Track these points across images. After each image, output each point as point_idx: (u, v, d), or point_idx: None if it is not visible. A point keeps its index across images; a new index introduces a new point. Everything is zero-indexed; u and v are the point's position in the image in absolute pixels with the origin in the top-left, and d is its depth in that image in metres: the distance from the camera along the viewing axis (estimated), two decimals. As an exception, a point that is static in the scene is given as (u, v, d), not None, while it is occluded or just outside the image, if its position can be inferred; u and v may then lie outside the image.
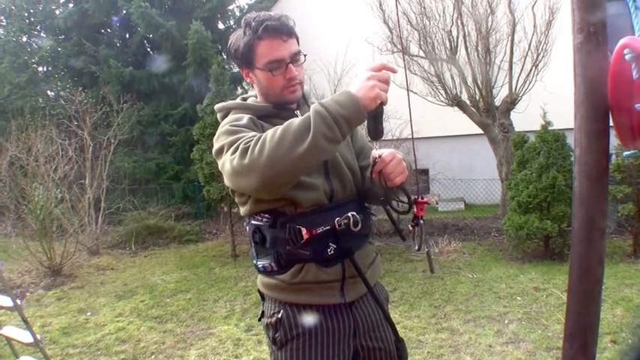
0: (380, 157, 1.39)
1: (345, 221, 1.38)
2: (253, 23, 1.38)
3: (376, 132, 1.29)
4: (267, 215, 1.40)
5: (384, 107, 1.26)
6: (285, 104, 1.46)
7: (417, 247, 1.47)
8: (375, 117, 1.27)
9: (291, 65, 1.40)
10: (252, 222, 1.45)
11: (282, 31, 1.38)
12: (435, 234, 6.92)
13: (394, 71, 1.27)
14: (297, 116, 1.41)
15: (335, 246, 1.39)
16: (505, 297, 4.46)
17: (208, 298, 5.10)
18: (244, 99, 1.55)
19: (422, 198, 1.46)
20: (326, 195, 1.40)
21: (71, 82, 10.90)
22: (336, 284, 1.42)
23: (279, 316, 1.42)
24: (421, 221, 1.45)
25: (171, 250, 7.65)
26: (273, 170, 1.18)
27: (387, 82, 1.22)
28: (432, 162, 8.35)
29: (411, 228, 1.47)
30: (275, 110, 1.46)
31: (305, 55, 1.46)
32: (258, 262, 1.46)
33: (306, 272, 1.38)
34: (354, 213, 1.40)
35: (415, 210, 1.44)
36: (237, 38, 1.43)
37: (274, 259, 1.41)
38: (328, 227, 1.37)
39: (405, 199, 1.46)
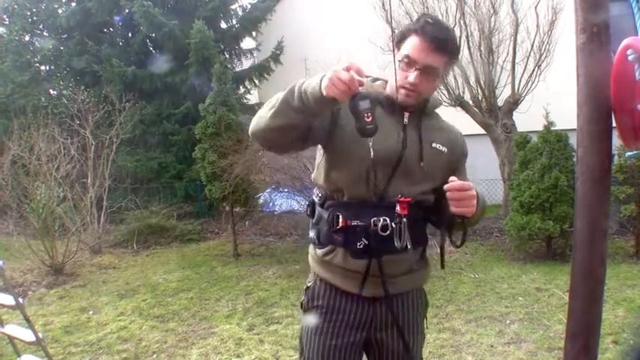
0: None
1: (379, 223, 1.41)
2: (422, 20, 1.46)
3: (359, 129, 1.28)
4: (320, 195, 1.56)
5: (359, 106, 1.25)
6: (394, 100, 1.47)
7: (398, 246, 1.46)
8: (353, 114, 1.27)
9: (418, 72, 1.41)
10: (313, 197, 1.62)
11: (435, 40, 1.41)
12: (436, 234, 6.90)
13: (359, 73, 1.24)
14: (403, 118, 1.49)
15: (366, 242, 1.43)
16: (507, 297, 4.46)
17: (210, 297, 5.10)
18: (375, 79, 1.60)
19: (404, 197, 1.44)
20: (375, 194, 1.45)
21: (73, 81, 10.89)
22: (359, 276, 1.49)
23: (310, 284, 1.61)
24: (404, 220, 1.42)
25: (173, 249, 7.65)
26: (256, 126, 1.44)
27: (341, 79, 1.21)
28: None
29: (393, 226, 1.43)
30: (384, 100, 1.49)
31: (442, 75, 1.52)
32: (310, 232, 1.61)
33: (335, 255, 1.51)
34: (387, 218, 1.41)
35: (398, 209, 1.43)
36: (408, 24, 1.54)
37: (316, 235, 1.56)
38: (363, 223, 1.43)
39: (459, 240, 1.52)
